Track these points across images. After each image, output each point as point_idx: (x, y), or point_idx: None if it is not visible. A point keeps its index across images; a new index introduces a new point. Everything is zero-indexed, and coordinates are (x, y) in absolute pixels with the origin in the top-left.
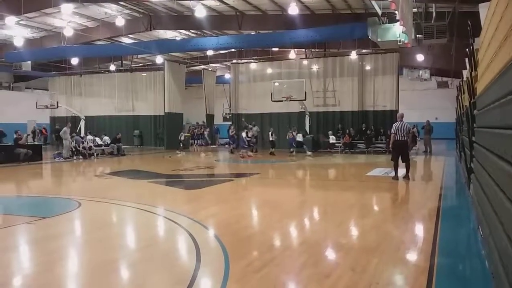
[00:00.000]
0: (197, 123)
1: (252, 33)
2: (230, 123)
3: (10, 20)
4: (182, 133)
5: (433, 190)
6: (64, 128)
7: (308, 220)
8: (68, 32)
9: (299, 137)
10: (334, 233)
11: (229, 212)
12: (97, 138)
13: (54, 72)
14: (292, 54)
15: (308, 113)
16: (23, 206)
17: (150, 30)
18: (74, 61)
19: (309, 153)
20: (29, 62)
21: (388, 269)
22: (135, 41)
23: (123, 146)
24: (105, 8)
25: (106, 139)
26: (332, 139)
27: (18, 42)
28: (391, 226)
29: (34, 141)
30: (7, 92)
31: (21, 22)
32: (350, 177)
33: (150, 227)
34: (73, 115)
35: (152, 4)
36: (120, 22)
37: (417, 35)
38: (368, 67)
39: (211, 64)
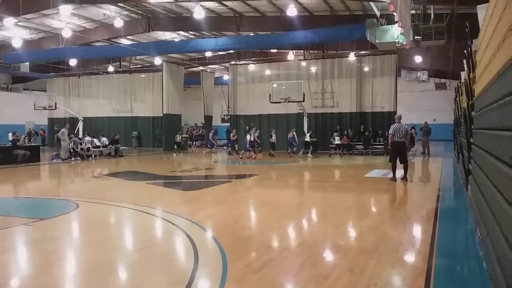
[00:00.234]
0: (196, 124)
1: (251, 35)
2: (228, 124)
3: (9, 21)
4: (178, 134)
5: (431, 192)
6: (62, 130)
7: (306, 221)
8: (67, 33)
9: (307, 137)
10: (332, 234)
11: (227, 213)
12: (95, 139)
13: (52, 73)
14: (291, 55)
15: (306, 114)
16: (21, 207)
17: (149, 31)
18: (73, 62)
19: (309, 155)
20: (27, 63)
21: (386, 270)
22: (133, 42)
23: (121, 147)
24: (104, 9)
25: (104, 140)
26: (337, 140)
27: (17, 43)
28: (389, 227)
29: (29, 142)
30: (5, 93)
31: (19, 23)
32: (348, 178)
33: (148, 228)
34: (71, 116)
35: (150, 6)
36: (118, 23)
37: (415, 37)
38: (366, 69)
39: (209, 66)
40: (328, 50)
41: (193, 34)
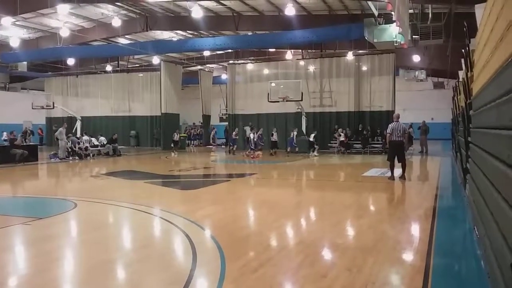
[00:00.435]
0: (194, 123)
1: (249, 34)
2: (226, 123)
3: (6, 20)
4: (175, 133)
5: (429, 190)
6: (60, 129)
7: (305, 220)
8: (64, 33)
9: (311, 137)
10: (330, 233)
11: (225, 212)
12: (93, 139)
13: (50, 73)
14: (289, 54)
15: (304, 113)
16: (19, 206)
17: (147, 31)
18: (70, 61)
19: (315, 154)
20: (25, 62)
21: (384, 269)
22: (131, 41)
23: (119, 147)
24: (102, 8)
25: (102, 139)
26: (342, 136)
27: (14, 43)
28: (387, 226)
29: (24, 141)
30: (2, 93)
31: (17, 22)
32: (346, 177)
33: (146, 227)
34: (69, 115)
35: (148, 5)
36: (116, 22)
37: (413, 36)
38: (364, 68)
39: (207, 65)
40: (326, 49)
41: (191, 34)
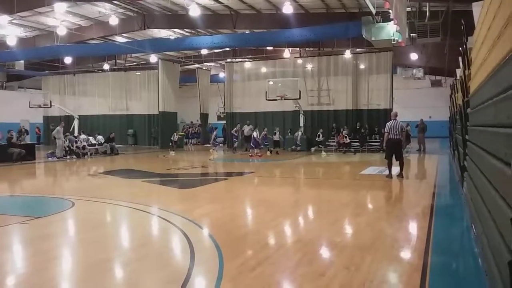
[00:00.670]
0: (192, 122)
1: (247, 32)
2: (224, 122)
3: (3, 19)
4: (175, 133)
5: (427, 188)
6: (57, 128)
7: (303, 219)
8: (62, 31)
9: (319, 137)
10: (328, 232)
11: (223, 211)
12: (90, 137)
13: (47, 72)
14: (287, 53)
15: (302, 112)
16: (16, 206)
17: (144, 29)
18: (68, 60)
19: (323, 152)
20: (22, 61)
21: (382, 267)
22: (129, 40)
23: (117, 146)
24: (99, 7)
25: (100, 138)
26: (347, 139)
27: (11, 41)
28: (385, 224)
29: (18, 140)
30: None
31: (14, 21)
32: (344, 175)
33: (144, 226)
34: (67, 114)
35: (146, 3)
36: (113, 21)
37: (411, 34)
38: (362, 66)
39: (205, 63)
40: (324, 47)
41: (188, 32)
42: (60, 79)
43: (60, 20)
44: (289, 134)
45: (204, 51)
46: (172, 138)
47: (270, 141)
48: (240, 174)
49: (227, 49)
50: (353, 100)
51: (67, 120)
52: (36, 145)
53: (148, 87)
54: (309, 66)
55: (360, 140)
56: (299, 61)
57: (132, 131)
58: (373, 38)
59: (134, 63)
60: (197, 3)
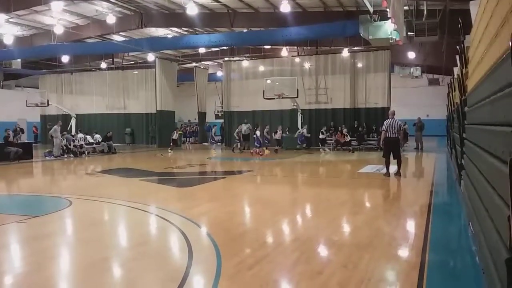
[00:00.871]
0: (189, 120)
1: (244, 31)
2: (222, 120)
3: (0, 18)
4: (174, 132)
5: (424, 187)
6: (55, 127)
7: (301, 217)
8: (59, 30)
9: (322, 135)
10: (326, 230)
11: (221, 210)
12: (88, 136)
13: (45, 70)
14: (284, 51)
15: (300, 110)
16: (13, 204)
17: (141, 28)
18: (65, 59)
19: (327, 150)
20: (19, 60)
21: (380, 265)
22: (126, 38)
23: (114, 144)
24: (96, 5)
25: (98, 137)
26: (348, 137)
27: (8, 40)
28: (382, 222)
29: (13, 139)
30: None
31: (10, 20)
32: (342, 174)
33: (142, 225)
34: (64, 113)
35: (143, 2)
36: (111, 19)
37: (409, 33)
38: (360, 65)
39: (203, 62)
40: (322, 46)
41: (186, 31)
42: (57, 78)
43: (57, 18)
44: (287, 132)
45: (201, 50)
46: (172, 137)
47: (288, 138)
48: (239, 172)
49: (225, 47)
50: (350, 98)
51: (65, 119)
52: (33, 144)
53: (145, 85)
54: (306, 65)
55: (358, 139)
56: (297, 59)
57: (130, 130)
58: (370, 37)
59: (132, 62)
60: (195, 2)
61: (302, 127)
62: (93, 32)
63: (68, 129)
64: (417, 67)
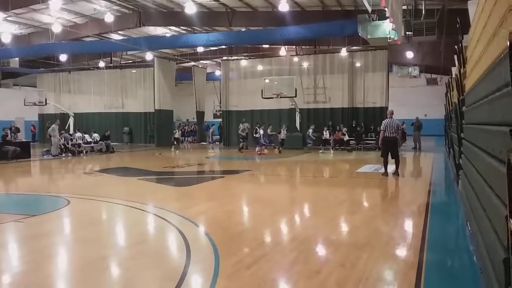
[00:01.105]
0: (187, 120)
1: (243, 30)
2: (220, 120)
3: None
4: (176, 130)
5: (422, 186)
6: (53, 125)
7: (299, 217)
8: (57, 29)
9: (326, 135)
10: (324, 229)
11: (219, 209)
12: (86, 135)
13: (43, 69)
14: (283, 51)
15: (298, 110)
16: (11, 204)
17: (140, 27)
18: (63, 57)
19: (331, 150)
20: (17, 58)
21: (378, 264)
22: (124, 37)
23: (112, 143)
24: (94, 4)
25: (96, 136)
26: (346, 136)
27: (6, 39)
28: (380, 222)
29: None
30: None
31: (8, 18)
32: (340, 173)
33: (140, 224)
34: (62, 112)
35: (141, 0)
36: (109, 18)
37: (407, 32)
38: (358, 64)
39: (201, 61)
40: (320, 45)
41: (184, 29)
42: (55, 77)
43: (55, 17)
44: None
45: (200, 49)
46: (175, 136)
47: (276, 138)
48: (237, 172)
49: (223, 47)
50: (349, 98)
51: (63, 118)
52: (31, 143)
53: (143, 84)
54: (305, 64)
55: (356, 138)
56: (295, 59)
57: (128, 129)
58: (369, 36)
59: (130, 61)
60: (193, 1)
61: (309, 127)
62: (91, 30)
63: (66, 128)
64: (415, 66)
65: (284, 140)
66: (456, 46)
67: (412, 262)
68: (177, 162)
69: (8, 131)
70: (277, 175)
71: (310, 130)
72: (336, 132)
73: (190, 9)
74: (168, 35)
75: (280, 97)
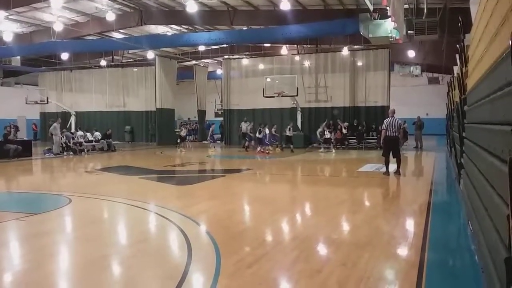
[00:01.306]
0: (189, 118)
1: (244, 29)
2: (221, 118)
3: None
4: (182, 128)
5: (424, 186)
6: (54, 124)
7: (300, 216)
8: (58, 27)
9: (327, 134)
10: (325, 229)
11: (220, 208)
12: (88, 134)
13: (44, 68)
14: (284, 50)
15: (300, 109)
16: (13, 202)
17: (141, 25)
18: (64, 56)
19: (333, 150)
20: (19, 57)
21: (379, 263)
22: (126, 36)
23: (114, 142)
24: (95, 2)
25: (97, 134)
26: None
27: (7, 37)
28: (382, 221)
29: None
30: None
31: (10, 16)
32: (341, 172)
33: (141, 223)
34: (64, 110)
35: None
36: (110, 17)
37: (408, 31)
38: (359, 63)
39: (202, 60)
40: (322, 44)
41: (186, 28)
42: (56, 75)
43: (56, 15)
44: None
45: (201, 48)
46: (180, 133)
47: (283, 137)
48: (238, 171)
49: (225, 45)
50: (350, 97)
51: (64, 116)
52: (33, 142)
53: (145, 83)
54: (306, 63)
55: (357, 137)
56: (297, 58)
57: (129, 127)
58: (370, 35)
59: (131, 59)
60: None
61: (320, 126)
62: (93, 29)
63: (67, 126)
64: (417, 65)
65: (291, 137)
66: (458, 45)
67: (413, 262)
68: (178, 160)
69: (12, 130)
70: (279, 174)
71: (320, 129)
72: (338, 131)
73: (192, 7)
74: (169, 33)
75: (282, 96)
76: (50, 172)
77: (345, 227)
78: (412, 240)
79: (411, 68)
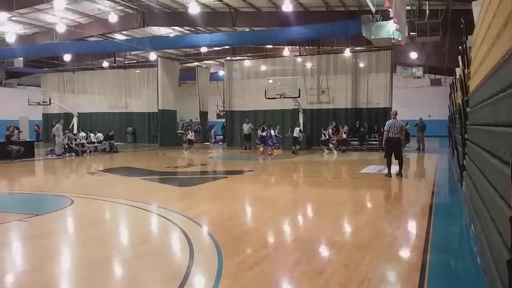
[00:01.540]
0: (191, 120)
1: (246, 30)
2: (223, 120)
3: (2, 16)
4: (188, 131)
5: (426, 187)
6: (57, 125)
7: (302, 217)
8: (61, 28)
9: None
10: (327, 230)
11: (222, 209)
12: (91, 135)
13: (47, 69)
14: (286, 51)
15: (302, 110)
16: (15, 203)
17: (144, 27)
18: (67, 57)
19: (334, 152)
20: (21, 58)
21: (381, 265)
22: (128, 37)
23: (116, 143)
24: (98, 4)
25: (99, 136)
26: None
27: (10, 39)
28: (384, 223)
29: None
30: None
31: (13, 18)
32: (343, 174)
33: (143, 224)
34: (66, 112)
35: (145, 0)
36: (113, 18)
37: (411, 33)
38: (361, 65)
39: (204, 61)
40: (324, 46)
41: (188, 30)
42: (59, 77)
43: (59, 17)
44: (289, 132)
45: (203, 49)
46: (188, 137)
47: (289, 138)
48: (240, 172)
49: (227, 47)
50: (352, 98)
51: (67, 117)
52: (35, 143)
53: (147, 84)
54: (308, 65)
55: (360, 139)
56: (299, 59)
57: (132, 129)
58: (372, 37)
59: (134, 61)
60: (197, 1)
61: (329, 127)
62: (95, 30)
63: (70, 127)
64: (419, 67)
65: (298, 138)
66: (460, 47)
67: (415, 264)
68: (180, 162)
69: (16, 131)
70: (280, 175)
71: (330, 130)
72: (339, 132)
73: (194, 9)
74: (171, 35)
75: (284, 98)
76: (52, 173)
77: (347, 228)
78: (414, 242)
79: (413, 69)
